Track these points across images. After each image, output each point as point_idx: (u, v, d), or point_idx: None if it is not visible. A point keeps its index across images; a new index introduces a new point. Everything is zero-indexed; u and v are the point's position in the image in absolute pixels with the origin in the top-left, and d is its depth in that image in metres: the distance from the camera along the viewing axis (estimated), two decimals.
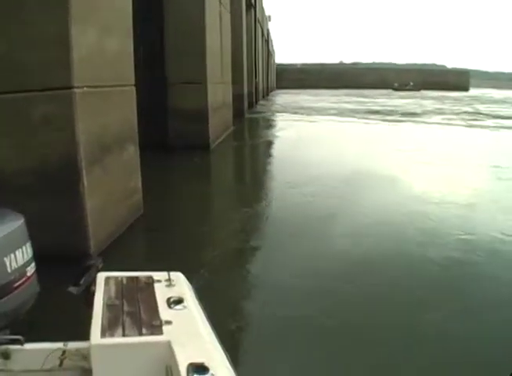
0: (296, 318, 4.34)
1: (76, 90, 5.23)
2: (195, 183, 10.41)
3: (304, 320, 4.31)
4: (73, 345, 2.06)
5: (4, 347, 2.06)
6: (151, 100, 12.53)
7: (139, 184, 7.29)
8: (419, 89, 71.91)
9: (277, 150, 16.34)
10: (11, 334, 2.16)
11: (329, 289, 4.96)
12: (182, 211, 8.27)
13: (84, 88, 5.38)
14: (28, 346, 2.08)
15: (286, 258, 5.91)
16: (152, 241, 6.88)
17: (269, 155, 15.16)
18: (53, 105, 5.22)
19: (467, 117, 26.53)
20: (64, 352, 2.05)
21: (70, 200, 5.36)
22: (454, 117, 27.08)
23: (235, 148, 16.42)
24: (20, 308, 2.20)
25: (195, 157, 12.49)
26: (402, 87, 74.06)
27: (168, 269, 2.46)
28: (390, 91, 68.12)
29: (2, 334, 2.12)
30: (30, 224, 4.86)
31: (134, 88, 7.09)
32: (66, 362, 2.05)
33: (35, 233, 4.97)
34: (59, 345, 2.07)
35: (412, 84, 75.69)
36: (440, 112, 30.84)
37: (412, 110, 31.94)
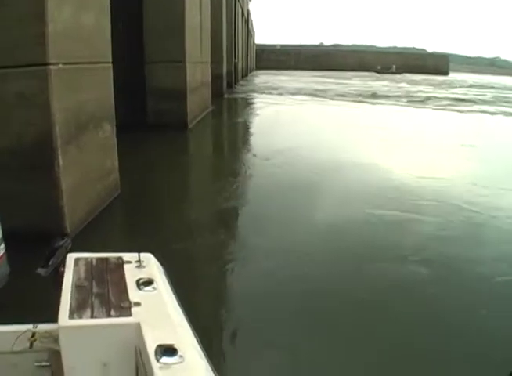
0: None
1: (51, 67, 5.11)
2: (172, 162, 10.47)
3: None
4: (42, 327, 2.03)
5: None
6: (129, 79, 12.39)
7: (116, 163, 7.21)
8: (401, 72, 72.11)
9: (253, 128, 16.64)
10: None
11: None
12: (159, 190, 8.23)
13: (60, 65, 5.27)
14: None
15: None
16: (128, 221, 6.85)
17: (246, 133, 15.43)
18: (28, 82, 5.10)
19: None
20: (34, 333, 2.02)
21: (46, 179, 5.26)
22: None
23: (213, 127, 16.45)
24: None
25: (172, 136, 12.46)
26: (384, 70, 74.17)
27: (144, 248, 2.43)
28: (372, 73, 68.22)
29: None
30: (4, 203, 4.81)
31: (111, 66, 6.97)
32: (36, 344, 2.02)
33: (10, 213, 4.94)
34: (29, 326, 2.04)
35: (394, 67, 75.86)
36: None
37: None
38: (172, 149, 11.73)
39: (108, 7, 6.93)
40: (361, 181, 8.87)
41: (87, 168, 6.06)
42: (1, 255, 2.23)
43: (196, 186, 8.99)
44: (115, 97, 7.21)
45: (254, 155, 11.41)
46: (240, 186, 8.66)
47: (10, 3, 4.94)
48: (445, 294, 4.68)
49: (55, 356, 1.95)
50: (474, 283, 4.99)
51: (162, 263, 2.42)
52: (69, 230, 5.37)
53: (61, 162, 5.29)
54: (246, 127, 16.57)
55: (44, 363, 2.03)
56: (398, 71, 73.44)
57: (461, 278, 5.07)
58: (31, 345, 2.03)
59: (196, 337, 1.89)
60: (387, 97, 28.88)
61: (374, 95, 29.78)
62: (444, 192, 8.20)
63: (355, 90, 34.36)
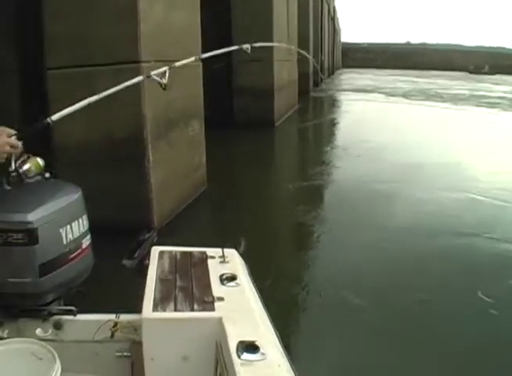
0: None
1: (143, 64, 5.24)
2: (259, 159, 10.50)
3: None
4: (124, 318, 2.07)
5: (57, 317, 2.10)
6: (218, 77, 12.55)
7: (204, 159, 7.32)
8: (494, 73, 69.05)
9: (339, 126, 16.43)
10: (64, 305, 2.19)
11: None
12: (245, 187, 8.31)
13: (152, 63, 5.39)
14: (80, 317, 2.11)
15: None
16: (215, 216, 6.93)
17: (332, 131, 15.30)
18: (120, 80, 5.24)
19: None
20: (116, 323, 2.07)
21: (136, 174, 5.43)
22: None
23: (299, 125, 16.29)
24: (74, 279, 2.21)
25: (259, 134, 12.51)
26: (477, 70, 71.23)
27: (229, 243, 2.43)
28: (464, 74, 65.27)
29: (56, 305, 2.15)
30: (96, 196, 4.98)
31: (200, 64, 7.07)
32: (117, 334, 2.06)
33: (102, 205, 5.12)
34: (112, 316, 2.09)
35: (487, 67, 72.86)
36: None
37: None
38: (259, 146, 11.78)
39: (198, 5, 7.04)
40: None
41: (176, 163, 6.19)
42: (87, 246, 2.29)
43: (280, 184, 8.94)
44: (204, 95, 7.33)
45: (344, 150, 11.45)
46: (328, 185, 8.61)
47: (105, 1, 5.12)
48: None
49: (135, 347, 1.98)
50: None
51: (245, 260, 2.43)
52: (156, 223, 5.51)
53: (151, 157, 5.43)
54: (332, 125, 16.40)
55: (125, 353, 2.07)
56: (491, 72, 70.26)
57: None
58: (112, 335, 2.08)
59: (277, 334, 1.86)
60: None
61: None
62: None
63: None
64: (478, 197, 7.47)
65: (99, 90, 5.25)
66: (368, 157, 10.51)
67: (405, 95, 26.77)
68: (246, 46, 4.24)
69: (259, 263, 3.66)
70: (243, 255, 2.42)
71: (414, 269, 5.08)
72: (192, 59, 3.59)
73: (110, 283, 3.85)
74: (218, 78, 12.95)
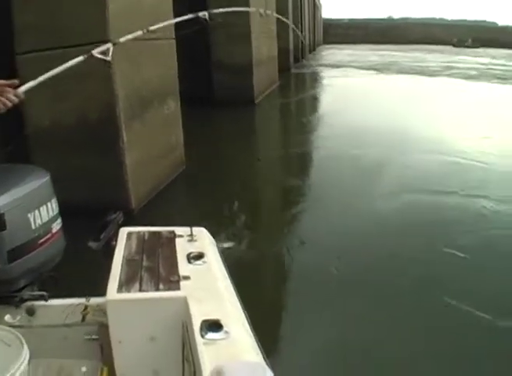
0: None
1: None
2: (239, 137, 10.46)
3: None
4: (94, 301, 2.07)
5: (29, 303, 2.08)
6: (195, 54, 12.43)
7: (181, 139, 7.27)
8: (478, 46, 68.92)
9: (321, 103, 16.40)
10: (36, 290, 2.17)
11: None
12: (225, 165, 8.26)
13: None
14: (52, 302, 2.10)
15: None
16: (193, 197, 6.90)
17: (314, 108, 15.22)
18: (92, 59, 5.17)
19: None
20: (86, 307, 2.07)
21: (110, 155, 5.38)
22: None
23: (280, 102, 16.22)
24: (45, 264, 2.19)
25: (238, 111, 12.46)
26: (461, 43, 71.07)
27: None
28: (447, 47, 65.14)
29: (28, 291, 2.14)
30: (71, 178, 4.93)
31: (174, 42, 6.99)
32: (88, 317, 2.06)
33: (77, 187, 5.08)
34: (82, 300, 2.09)
35: (470, 40, 72.74)
36: None
37: None
38: (238, 124, 11.70)
39: None
40: None
41: (151, 143, 6.14)
42: (58, 230, 2.26)
43: (262, 163, 8.93)
44: (182, 73, 7.25)
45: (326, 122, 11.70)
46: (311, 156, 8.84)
47: None
48: None
49: (103, 330, 1.96)
50: None
51: (215, 238, 2.41)
52: (133, 205, 5.48)
53: (125, 138, 5.38)
54: (313, 101, 16.37)
55: (93, 336, 2.06)
56: (475, 45, 70.14)
57: None
58: (83, 319, 2.07)
59: (244, 312, 1.85)
60: None
61: None
62: None
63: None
64: (449, 158, 8.12)
65: (71, 70, 5.21)
66: (349, 128, 10.70)
67: (382, 68, 27.01)
68: (203, 13, 4.13)
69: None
70: (213, 232, 2.42)
71: (394, 221, 5.71)
72: (140, 33, 3.50)
73: (82, 267, 3.82)
74: (196, 55, 12.82)
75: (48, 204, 2.20)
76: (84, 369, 1.97)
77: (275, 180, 7.75)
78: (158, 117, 6.39)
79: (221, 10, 4.92)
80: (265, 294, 4.42)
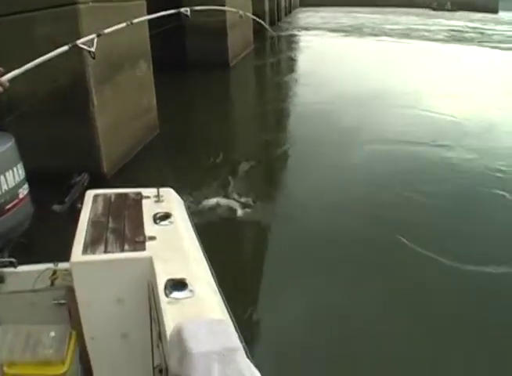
0: None
1: (81, 6, 5.07)
2: (213, 99, 10.37)
3: None
4: (63, 266, 2.04)
5: None
6: (168, 17, 12.16)
7: (154, 102, 7.19)
8: (456, 10, 68.47)
9: (296, 65, 16.33)
10: (6, 257, 2.14)
11: None
12: (200, 127, 8.23)
13: (90, 4, 5.21)
14: (21, 268, 2.08)
15: None
16: (168, 160, 6.87)
17: (289, 71, 15.09)
18: (58, 23, 5.07)
19: None
20: (55, 272, 2.05)
21: (81, 120, 5.31)
22: None
23: (255, 64, 16.11)
24: (13, 230, 2.17)
25: (213, 75, 12.35)
26: (440, 7, 70.47)
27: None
28: (425, 11, 64.49)
29: None
30: (43, 146, 4.88)
31: (144, 3, 6.86)
32: (57, 282, 2.05)
33: (47, 155, 5.02)
34: (50, 265, 2.07)
35: (449, 4, 72.18)
36: None
37: None
38: (213, 86, 11.59)
39: None
40: None
41: (123, 107, 6.07)
42: (25, 196, 2.24)
43: (235, 124, 8.92)
44: (154, 37, 7.14)
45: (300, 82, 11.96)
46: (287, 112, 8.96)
47: None
48: None
49: (71, 294, 1.95)
50: None
51: (183, 198, 2.41)
52: (106, 170, 5.44)
53: (95, 101, 5.31)
54: (288, 63, 16.27)
55: (61, 301, 2.05)
56: (453, 8, 69.62)
57: None
58: (52, 284, 2.06)
59: (211, 270, 1.86)
60: None
61: None
62: None
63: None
64: (421, 113, 8.72)
65: (38, 35, 5.11)
66: (325, 88, 10.92)
67: (353, 31, 27.13)
68: (185, 9, 4.07)
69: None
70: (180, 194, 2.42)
71: (368, 168, 6.28)
72: (124, 25, 3.44)
73: (49, 232, 3.80)
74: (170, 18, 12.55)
75: (14, 170, 2.16)
76: (52, 334, 1.95)
77: (251, 138, 7.80)
78: (130, 80, 6.31)
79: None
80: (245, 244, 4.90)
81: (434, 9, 68.21)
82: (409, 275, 4.06)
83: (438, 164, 6.39)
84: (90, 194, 2.26)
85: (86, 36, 5.02)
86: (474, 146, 6.98)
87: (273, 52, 19.80)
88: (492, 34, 24.54)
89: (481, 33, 25.37)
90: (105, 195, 2.27)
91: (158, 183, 2.26)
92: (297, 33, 27.16)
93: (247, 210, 5.10)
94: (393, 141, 7.19)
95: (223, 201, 5.10)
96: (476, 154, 6.64)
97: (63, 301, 2.05)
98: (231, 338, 1.26)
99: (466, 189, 5.71)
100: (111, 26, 5.71)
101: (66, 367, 1.86)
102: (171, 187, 2.36)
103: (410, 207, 5.20)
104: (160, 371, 1.46)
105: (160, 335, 1.56)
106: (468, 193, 5.62)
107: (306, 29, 29.43)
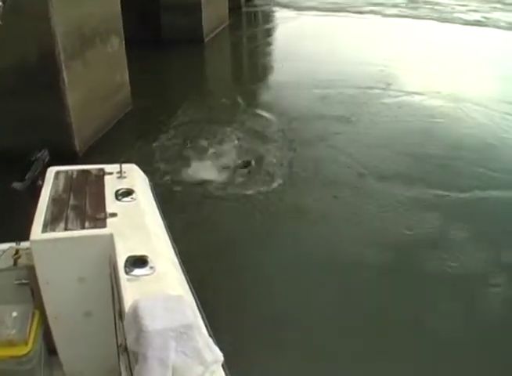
0: None
1: None
2: (187, 75, 10.19)
3: None
4: (25, 244, 2.00)
5: None
6: None
7: (126, 78, 7.06)
8: None
9: (271, 40, 16.15)
10: None
11: None
12: (173, 103, 8.09)
13: None
14: None
15: None
16: (140, 137, 6.75)
17: (264, 45, 14.96)
18: None
19: None
20: (17, 251, 2.01)
21: (51, 97, 5.19)
22: None
23: (230, 40, 15.95)
24: None
25: (187, 51, 12.20)
26: None
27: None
28: None
29: None
30: (13, 125, 4.75)
31: None
32: (19, 261, 2.02)
33: (18, 134, 4.91)
34: (12, 244, 2.04)
35: None
36: None
37: None
38: (187, 62, 11.38)
39: None
40: None
41: (94, 83, 5.95)
42: None
43: (210, 100, 8.82)
44: (127, 11, 6.98)
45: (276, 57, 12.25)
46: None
47: None
48: None
49: (33, 273, 1.91)
50: None
51: (146, 174, 2.37)
52: (78, 147, 5.35)
53: (66, 78, 5.19)
54: (263, 38, 16.08)
55: (24, 281, 2.01)
56: None
57: None
58: (15, 263, 2.02)
59: (173, 246, 1.84)
60: None
61: None
62: None
63: None
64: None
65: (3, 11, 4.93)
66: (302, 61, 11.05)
67: (334, 8, 26.72)
68: None
69: None
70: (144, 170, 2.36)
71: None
72: None
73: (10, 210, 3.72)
74: None
75: None
76: (15, 314, 1.92)
77: (226, 111, 7.75)
78: (101, 56, 6.18)
79: None
80: None
81: None
82: None
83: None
84: (51, 171, 2.23)
85: (55, 8, 4.95)
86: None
87: (248, 28, 19.66)
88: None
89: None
90: (66, 172, 2.24)
91: (129, 159, 2.21)
92: (271, 9, 26.90)
93: (220, 182, 5.22)
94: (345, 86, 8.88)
95: (190, 172, 5.08)
96: None
97: (25, 281, 2.02)
98: (188, 314, 1.24)
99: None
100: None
101: (29, 347, 1.84)
102: (142, 163, 2.32)
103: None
104: (126, 349, 1.44)
105: (121, 313, 1.53)
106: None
107: (281, 5, 29.16)
